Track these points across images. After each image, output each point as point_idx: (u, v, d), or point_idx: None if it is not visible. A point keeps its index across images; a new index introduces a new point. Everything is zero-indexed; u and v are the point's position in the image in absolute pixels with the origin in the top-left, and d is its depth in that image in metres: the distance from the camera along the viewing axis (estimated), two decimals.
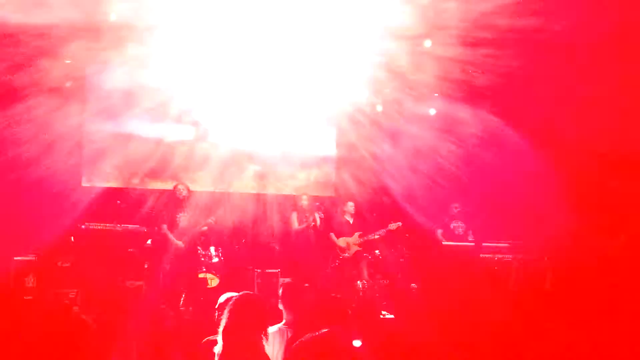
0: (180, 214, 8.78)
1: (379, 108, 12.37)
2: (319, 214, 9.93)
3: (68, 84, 10.51)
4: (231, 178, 12.16)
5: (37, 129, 10.39)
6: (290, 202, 11.32)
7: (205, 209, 9.15)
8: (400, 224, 10.01)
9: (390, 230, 9.97)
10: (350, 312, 4.52)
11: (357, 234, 9.85)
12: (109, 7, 9.04)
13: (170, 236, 8.66)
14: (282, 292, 4.70)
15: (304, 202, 9.87)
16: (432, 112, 12.50)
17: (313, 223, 9.74)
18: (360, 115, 12.56)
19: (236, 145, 12.26)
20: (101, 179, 11.32)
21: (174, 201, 8.90)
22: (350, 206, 10.05)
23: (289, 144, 12.58)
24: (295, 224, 9.79)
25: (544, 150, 9.88)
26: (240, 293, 3.99)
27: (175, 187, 9.12)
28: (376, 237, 9.96)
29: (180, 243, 8.61)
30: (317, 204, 9.84)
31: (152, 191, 11.11)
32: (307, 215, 9.73)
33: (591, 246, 7.90)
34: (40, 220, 9.80)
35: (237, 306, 3.71)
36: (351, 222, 10.00)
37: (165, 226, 8.75)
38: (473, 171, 11.62)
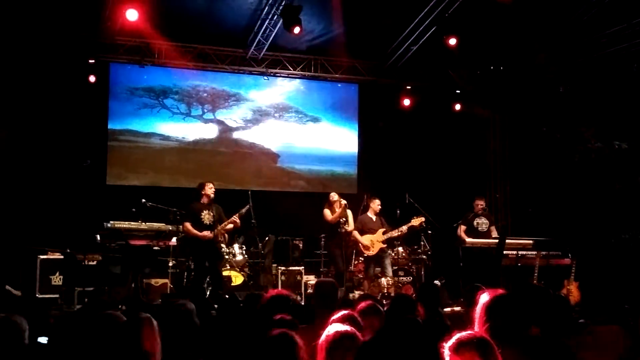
0: (205, 212, 8.81)
1: (406, 102, 12.36)
2: (349, 211, 9.84)
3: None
4: (253, 176, 12.20)
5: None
6: (312, 199, 11.36)
7: (230, 207, 9.18)
8: (423, 219, 9.91)
9: (413, 226, 9.88)
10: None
11: (380, 230, 9.79)
12: None
13: (195, 231, 8.71)
14: (315, 290, 4.66)
15: (333, 198, 9.82)
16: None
17: (345, 219, 9.66)
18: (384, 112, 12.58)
19: (259, 143, 12.32)
20: (125, 177, 11.41)
21: (198, 199, 8.94)
22: (375, 203, 9.96)
23: (312, 142, 12.60)
24: (330, 216, 9.75)
25: None
26: None
27: (199, 185, 9.13)
28: (399, 233, 9.88)
29: (207, 234, 8.67)
30: (345, 202, 9.74)
31: (177, 190, 11.18)
32: (339, 210, 9.66)
33: None
34: (65, 218, 9.92)
35: None
36: (374, 219, 9.94)
37: (189, 224, 8.78)
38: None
